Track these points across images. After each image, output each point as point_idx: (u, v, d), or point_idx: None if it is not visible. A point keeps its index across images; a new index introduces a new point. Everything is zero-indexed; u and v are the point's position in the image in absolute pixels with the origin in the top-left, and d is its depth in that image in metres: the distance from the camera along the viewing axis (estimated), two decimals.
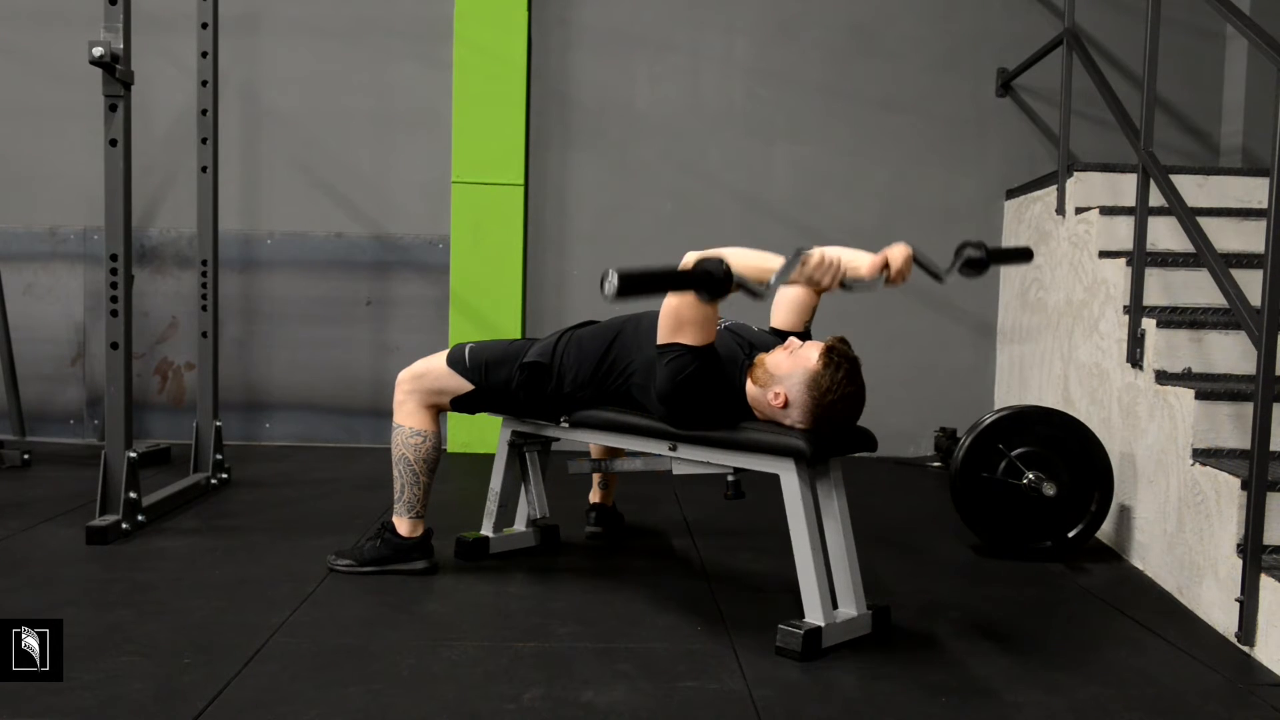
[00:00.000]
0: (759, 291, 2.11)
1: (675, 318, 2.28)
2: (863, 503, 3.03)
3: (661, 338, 2.32)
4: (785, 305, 2.59)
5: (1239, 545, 2.37)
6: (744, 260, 2.17)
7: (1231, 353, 2.96)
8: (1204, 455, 2.65)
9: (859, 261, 2.27)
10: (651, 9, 4.58)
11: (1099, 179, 3.78)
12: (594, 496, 3.18)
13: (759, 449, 2.29)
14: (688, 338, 2.28)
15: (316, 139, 4.53)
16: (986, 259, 2.43)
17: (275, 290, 4.54)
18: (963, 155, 4.62)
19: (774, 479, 2.26)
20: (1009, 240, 4.54)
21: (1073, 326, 3.69)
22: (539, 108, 4.54)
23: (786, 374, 2.27)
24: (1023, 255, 2.68)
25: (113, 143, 2.89)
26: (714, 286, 1.99)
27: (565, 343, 2.61)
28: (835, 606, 2.29)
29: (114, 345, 2.93)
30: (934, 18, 4.60)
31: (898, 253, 2.28)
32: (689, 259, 2.23)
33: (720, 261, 1.99)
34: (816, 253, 2.19)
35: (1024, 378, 4.25)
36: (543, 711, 1.88)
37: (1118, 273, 3.29)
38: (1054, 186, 3.97)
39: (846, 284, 2.27)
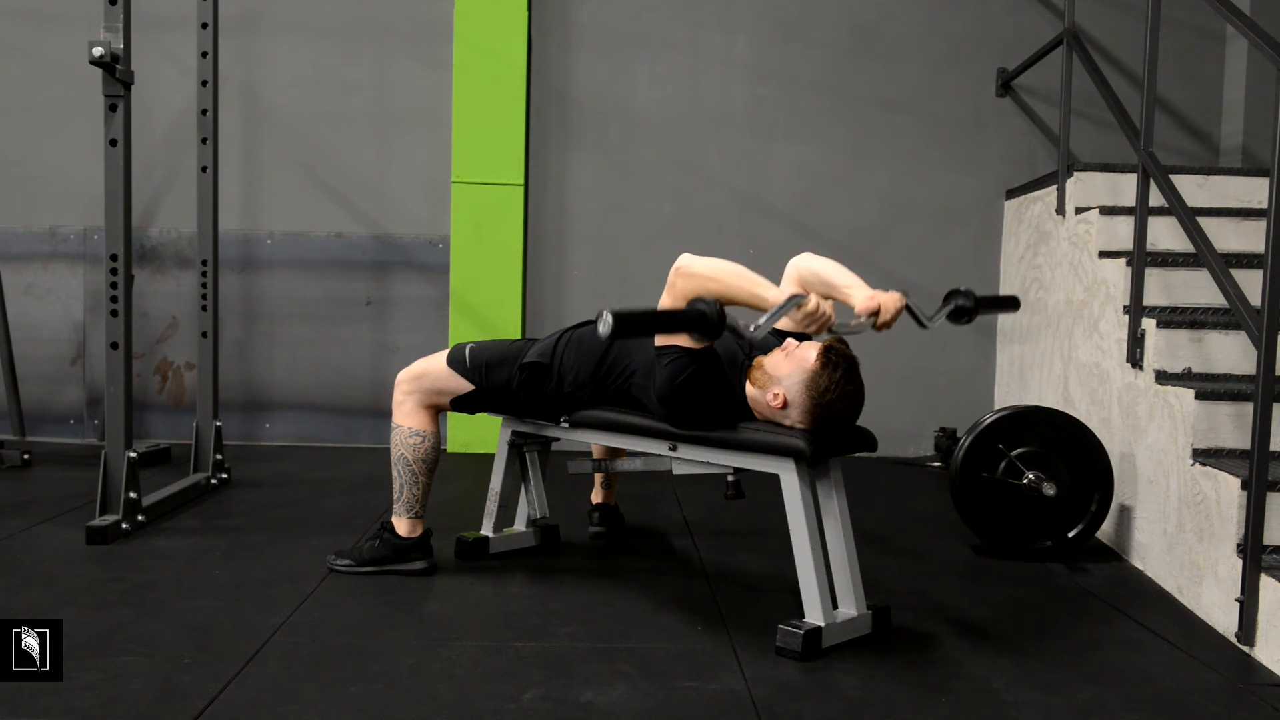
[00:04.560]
0: (746, 335, 2.17)
1: None
2: (863, 503, 3.03)
3: (660, 339, 2.32)
4: None
5: (1239, 545, 2.37)
6: (735, 281, 2.21)
7: (1231, 353, 2.96)
8: (1204, 455, 2.65)
9: (852, 289, 2.29)
10: (651, 9, 4.58)
11: (1099, 179, 3.78)
12: (596, 496, 3.19)
13: (759, 449, 2.29)
14: (687, 340, 2.28)
15: (316, 139, 4.53)
16: (975, 308, 2.43)
17: (275, 290, 4.54)
18: (962, 155, 4.62)
19: (774, 479, 2.26)
20: (1009, 239, 4.54)
21: (1073, 326, 3.70)
22: (539, 108, 4.54)
23: (785, 375, 2.28)
24: (1010, 304, 2.71)
25: (113, 143, 2.89)
26: (708, 328, 2.04)
27: (565, 343, 2.61)
28: (835, 606, 2.29)
29: (114, 345, 2.93)
30: (934, 18, 4.60)
31: (891, 304, 2.25)
32: (683, 260, 2.26)
33: (715, 303, 2.04)
34: (812, 302, 2.21)
35: (1024, 378, 4.25)
36: (543, 711, 1.88)
37: (1118, 273, 3.29)
38: (1054, 186, 3.97)
39: (833, 330, 2.29)
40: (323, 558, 2.73)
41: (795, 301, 2.19)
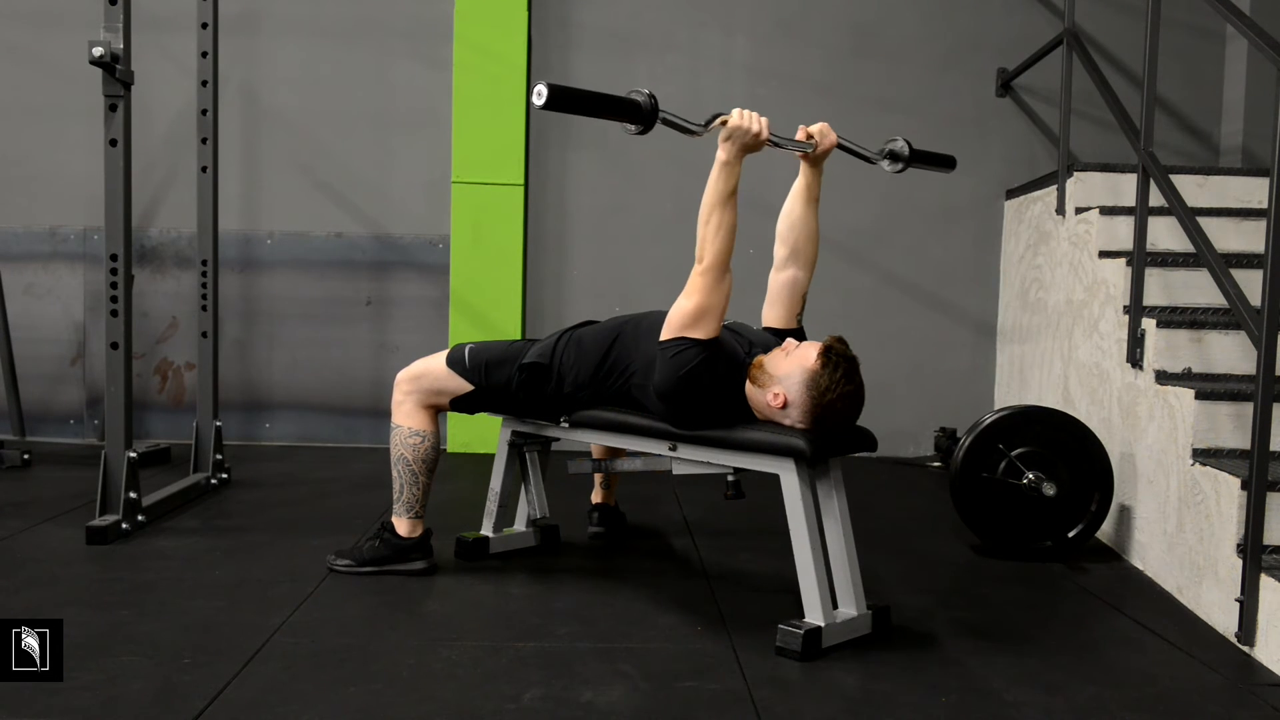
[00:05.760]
0: (693, 130, 2.24)
1: (693, 314, 2.27)
2: (863, 503, 3.03)
3: (667, 333, 2.32)
4: (773, 302, 2.59)
5: (1239, 545, 2.37)
6: (707, 200, 2.29)
7: (1231, 353, 2.96)
8: (1204, 455, 2.65)
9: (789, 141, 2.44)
10: (651, 9, 4.58)
11: (1099, 179, 3.78)
12: (596, 496, 3.18)
13: (759, 449, 2.28)
14: (697, 332, 2.28)
15: (316, 139, 4.53)
16: (910, 155, 2.72)
17: (275, 290, 4.54)
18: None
19: (774, 479, 2.26)
20: (1009, 239, 4.54)
21: (1073, 326, 3.69)
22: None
23: (785, 374, 2.27)
24: (945, 162, 2.89)
25: (113, 143, 2.89)
26: (641, 115, 2.12)
27: (565, 343, 2.61)
28: (835, 606, 2.29)
29: (114, 345, 2.93)
30: (934, 18, 4.60)
31: (819, 126, 2.55)
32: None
33: (648, 93, 2.14)
34: (734, 114, 2.27)
35: (1024, 378, 4.25)
36: (543, 711, 1.88)
37: (1118, 273, 3.29)
38: (1054, 186, 3.97)
39: (777, 141, 2.36)
40: (323, 558, 2.73)
41: (717, 119, 2.25)
